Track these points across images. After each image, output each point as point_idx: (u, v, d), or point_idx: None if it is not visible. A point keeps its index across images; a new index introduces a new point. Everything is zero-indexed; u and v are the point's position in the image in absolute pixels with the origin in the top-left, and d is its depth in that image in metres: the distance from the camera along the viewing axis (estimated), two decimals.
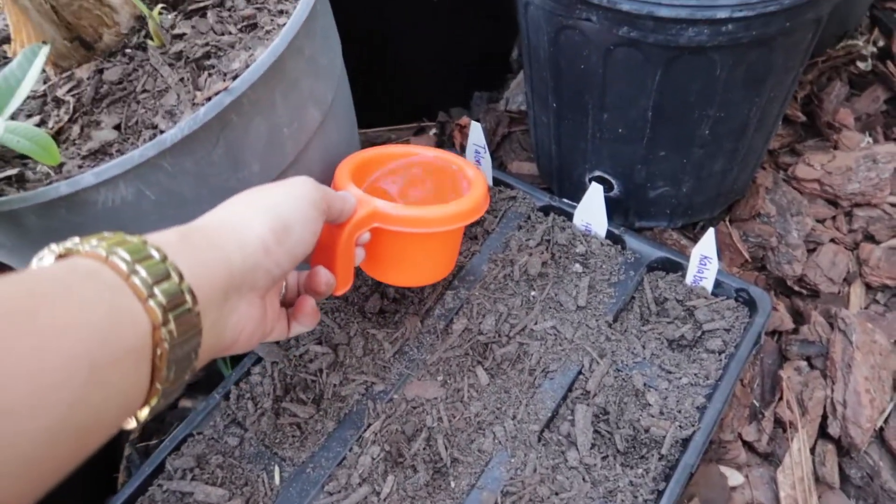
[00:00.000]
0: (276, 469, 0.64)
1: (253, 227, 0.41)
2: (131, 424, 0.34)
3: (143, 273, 0.31)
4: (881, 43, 0.99)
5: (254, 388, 0.69)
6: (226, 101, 0.53)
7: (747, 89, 0.65)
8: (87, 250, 0.32)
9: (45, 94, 0.63)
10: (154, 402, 0.33)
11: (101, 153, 0.57)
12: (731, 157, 0.73)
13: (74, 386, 0.26)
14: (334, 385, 0.68)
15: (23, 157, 0.58)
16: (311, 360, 0.70)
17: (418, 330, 0.71)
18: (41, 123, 0.61)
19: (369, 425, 0.65)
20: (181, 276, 0.33)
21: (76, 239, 0.33)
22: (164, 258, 0.33)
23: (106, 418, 0.29)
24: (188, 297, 0.33)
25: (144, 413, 0.33)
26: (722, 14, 0.56)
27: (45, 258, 0.33)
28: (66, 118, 0.60)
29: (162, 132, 0.57)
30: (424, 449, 0.63)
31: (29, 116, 0.62)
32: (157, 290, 0.31)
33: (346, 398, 0.67)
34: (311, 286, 0.52)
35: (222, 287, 0.37)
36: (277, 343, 0.71)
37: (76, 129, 0.59)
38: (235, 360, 0.72)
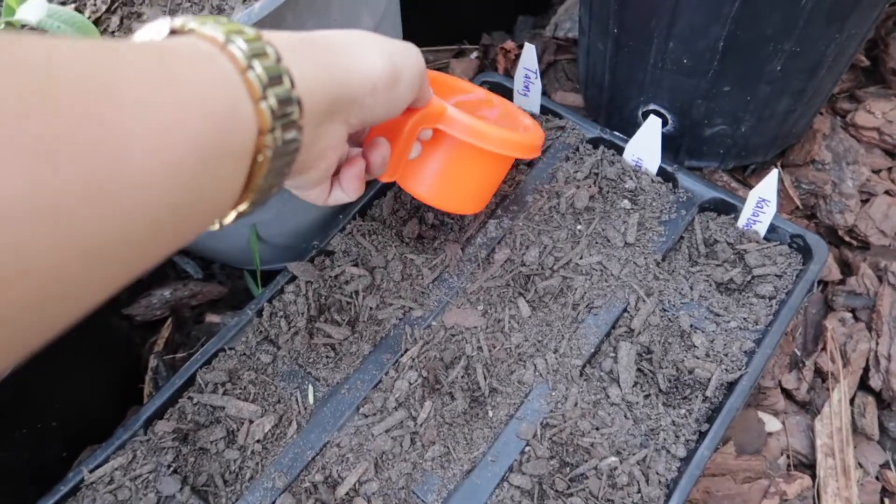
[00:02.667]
0: (310, 388, 0.62)
1: (374, 62, 0.39)
2: (215, 226, 0.33)
3: (260, 70, 0.29)
4: None
5: (287, 306, 0.67)
6: None
7: (829, 24, 0.61)
8: (206, 32, 0.29)
9: None
10: (243, 207, 0.32)
11: None
12: (797, 98, 0.69)
13: (190, 172, 0.25)
14: (370, 308, 0.66)
15: None
16: (347, 281, 0.68)
17: (459, 257, 0.68)
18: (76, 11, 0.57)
19: (406, 350, 0.63)
20: (293, 83, 0.30)
21: (190, 16, 0.30)
22: (279, 59, 0.30)
23: (199, 216, 0.28)
24: (296, 108, 0.30)
25: (230, 217, 0.32)
26: None
27: (161, 30, 0.30)
28: (103, 7, 0.56)
29: None
30: (462, 377, 0.62)
31: (63, 4, 0.58)
32: (269, 93, 0.29)
33: (383, 322, 0.65)
34: (367, 153, 0.49)
35: (325, 108, 0.35)
36: (312, 262, 0.69)
37: (115, 19, 0.56)
38: (266, 278, 0.70)
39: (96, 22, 0.56)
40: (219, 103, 0.27)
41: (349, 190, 0.48)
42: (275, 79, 0.29)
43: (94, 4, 0.57)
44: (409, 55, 0.43)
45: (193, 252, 0.82)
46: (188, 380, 0.63)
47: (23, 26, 0.50)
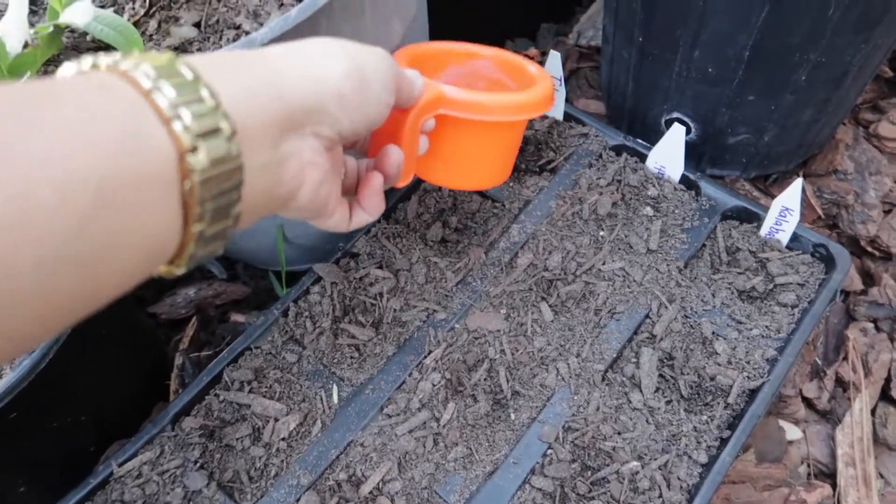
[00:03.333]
0: (335, 388, 0.63)
1: (333, 66, 0.36)
2: (174, 271, 0.31)
3: (168, 90, 0.27)
4: None
5: (312, 307, 0.68)
6: (319, 4, 0.50)
7: (856, 33, 0.61)
8: (108, 64, 0.28)
9: None
10: (191, 247, 0.29)
11: (180, 50, 0.55)
12: (821, 107, 0.70)
13: (79, 208, 0.23)
14: (395, 310, 0.67)
15: (97, 48, 0.56)
16: (372, 283, 0.69)
17: (482, 261, 0.69)
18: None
19: (430, 352, 0.64)
20: (217, 100, 0.28)
21: (101, 54, 0.29)
22: (198, 78, 0.28)
23: (125, 253, 0.26)
24: (224, 124, 0.28)
25: (184, 259, 0.30)
26: None
27: (66, 71, 0.29)
28: (141, 11, 0.58)
29: (245, 32, 0.54)
30: (485, 380, 0.62)
31: (101, 7, 0.59)
32: (183, 112, 0.27)
33: (407, 324, 0.66)
34: (380, 166, 0.47)
35: (277, 122, 0.32)
36: (337, 263, 0.70)
37: (153, 23, 0.57)
38: (291, 279, 0.71)
39: (135, 25, 0.57)
40: (107, 129, 0.25)
41: (370, 209, 0.46)
42: (189, 96, 0.27)
43: (133, 8, 0.58)
44: (375, 54, 0.41)
45: None
46: (215, 377, 0.64)
47: (66, 29, 0.51)
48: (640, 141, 0.75)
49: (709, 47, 0.66)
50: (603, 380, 0.62)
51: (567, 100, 0.91)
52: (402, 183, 0.52)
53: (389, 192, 0.74)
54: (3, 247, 0.21)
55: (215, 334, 0.77)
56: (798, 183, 0.63)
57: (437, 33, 0.81)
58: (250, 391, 0.64)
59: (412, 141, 0.51)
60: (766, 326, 0.64)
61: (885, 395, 0.68)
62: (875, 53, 0.66)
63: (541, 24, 0.99)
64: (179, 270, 0.31)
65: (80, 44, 0.56)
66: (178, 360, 0.74)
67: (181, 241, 0.29)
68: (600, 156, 0.75)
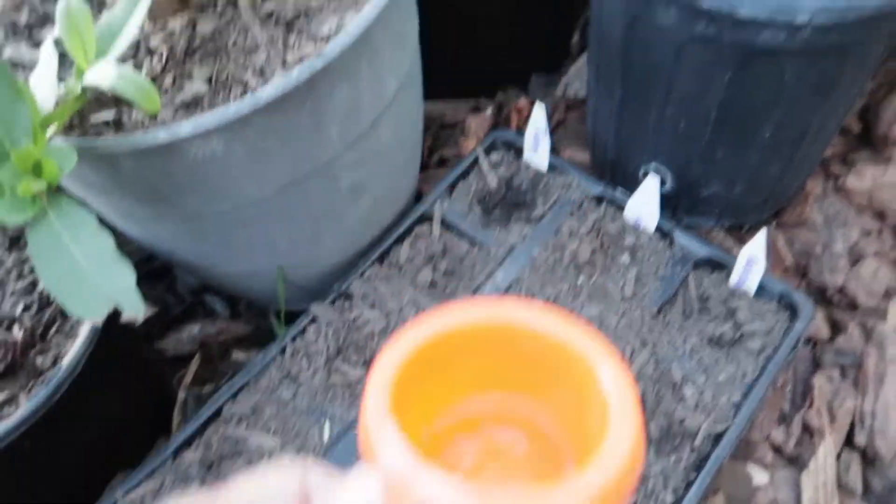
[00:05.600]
0: (327, 424, 0.67)
1: None
2: None
3: None
4: None
5: (308, 345, 0.72)
6: (318, 65, 0.55)
7: (814, 96, 0.66)
8: None
9: (138, 43, 0.65)
10: None
11: (192, 105, 0.60)
12: (787, 163, 0.74)
13: None
14: None
15: (118, 102, 0.60)
16: (364, 324, 0.73)
17: None
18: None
19: None
20: None
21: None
22: None
23: None
24: None
25: None
26: (801, 19, 0.57)
27: None
28: (158, 68, 0.63)
29: (251, 89, 0.59)
30: None
31: (122, 63, 0.65)
32: None
33: None
34: None
35: None
36: (332, 304, 0.74)
37: (168, 79, 0.62)
38: (291, 317, 0.75)
39: (152, 80, 0.62)
40: None
41: None
42: None
43: (150, 64, 0.63)
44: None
45: (222, 291, 0.88)
46: (215, 412, 0.68)
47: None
48: (619, 191, 0.80)
49: (680, 106, 0.70)
50: None
51: (555, 149, 0.96)
52: None
53: (384, 234, 0.79)
54: None
55: (217, 371, 0.82)
56: (762, 235, 0.68)
57: (430, 85, 0.86)
58: (247, 426, 0.68)
59: None
60: (733, 372, 0.67)
61: (849, 442, 0.71)
62: (834, 113, 0.70)
63: (532, 75, 1.04)
64: None
65: (101, 96, 0.60)
66: (181, 395, 0.78)
67: None
68: (581, 205, 0.80)
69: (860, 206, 0.85)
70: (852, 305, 0.79)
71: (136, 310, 0.53)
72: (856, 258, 0.81)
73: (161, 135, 0.53)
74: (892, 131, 0.92)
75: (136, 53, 0.64)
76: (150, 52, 0.64)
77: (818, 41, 0.59)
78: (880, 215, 0.85)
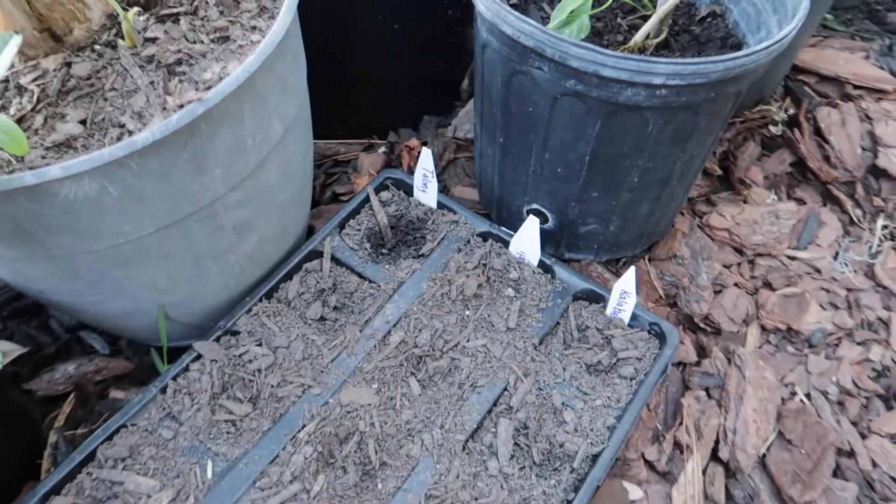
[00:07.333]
0: (210, 463, 0.66)
1: None
2: None
3: None
4: (791, 111, 1.10)
5: (192, 383, 0.70)
6: (199, 111, 0.56)
7: (673, 145, 0.73)
8: None
9: (7, 81, 0.63)
10: None
11: (65, 146, 0.58)
12: (654, 203, 0.81)
13: None
14: (272, 386, 0.71)
15: None
16: (251, 360, 0.72)
17: (357, 338, 0.74)
18: (1, 109, 0.62)
19: (304, 426, 0.68)
20: None
21: None
22: None
23: None
24: None
25: None
26: (657, 80, 0.63)
27: None
28: (28, 107, 0.61)
29: (129, 132, 0.59)
30: (356, 451, 0.67)
31: None
32: None
33: (283, 399, 0.70)
34: None
35: None
36: (217, 341, 0.73)
37: (39, 119, 0.60)
38: (172, 355, 0.73)
39: (20, 120, 0.60)
40: None
41: None
42: None
43: (20, 104, 0.62)
44: None
45: (101, 328, 0.85)
46: (88, 455, 0.65)
47: None
48: (503, 228, 0.84)
49: (556, 151, 0.75)
50: (464, 449, 0.68)
51: (445, 187, 1.00)
52: None
53: (273, 271, 0.79)
54: None
55: (93, 411, 0.78)
56: (632, 270, 0.73)
57: (324, 125, 0.88)
58: (124, 468, 0.65)
59: None
60: (608, 397, 0.72)
61: (714, 456, 0.77)
62: (693, 160, 0.78)
63: (424, 117, 1.08)
64: None
65: None
66: (53, 438, 0.74)
67: None
68: (468, 241, 0.83)
69: (722, 242, 0.93)
70: (716, 331, 0.86)
71: None
72: (718, 289, 0.89)
73: (28, 177, 0.52)
74: (748, 175, 1.01)
75: (6, 92, 0.62)
76: (21, 91, 0.62)
77: (673, 99, 0.66)
78: (739, 250, 0.93)
